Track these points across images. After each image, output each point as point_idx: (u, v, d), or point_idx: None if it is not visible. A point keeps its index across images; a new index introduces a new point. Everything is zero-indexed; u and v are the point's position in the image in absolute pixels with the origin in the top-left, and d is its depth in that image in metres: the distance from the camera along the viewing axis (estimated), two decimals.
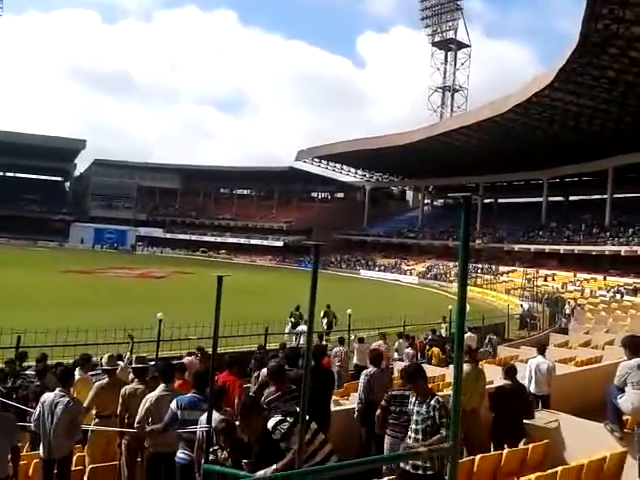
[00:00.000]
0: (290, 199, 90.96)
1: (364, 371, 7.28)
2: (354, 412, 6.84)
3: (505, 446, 6.23)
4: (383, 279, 60.68)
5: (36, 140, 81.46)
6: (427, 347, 15.93)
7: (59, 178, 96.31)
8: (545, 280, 47.50)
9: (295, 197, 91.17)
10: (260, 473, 4.16)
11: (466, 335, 16.42)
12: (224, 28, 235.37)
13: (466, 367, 6.73)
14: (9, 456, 5.14)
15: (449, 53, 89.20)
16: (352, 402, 8.13)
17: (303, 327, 17.50)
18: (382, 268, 67.43)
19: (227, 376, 7.00)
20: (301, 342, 16.32)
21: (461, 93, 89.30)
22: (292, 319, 20.51)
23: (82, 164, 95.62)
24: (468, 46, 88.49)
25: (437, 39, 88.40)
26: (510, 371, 7.09)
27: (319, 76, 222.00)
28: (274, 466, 4.14)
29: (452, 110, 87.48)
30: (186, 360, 9.84)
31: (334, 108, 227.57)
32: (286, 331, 19.85)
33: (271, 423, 4.06)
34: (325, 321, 21.29)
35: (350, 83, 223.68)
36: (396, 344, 15.60)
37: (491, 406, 6.85)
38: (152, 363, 7.86)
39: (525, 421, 6.75)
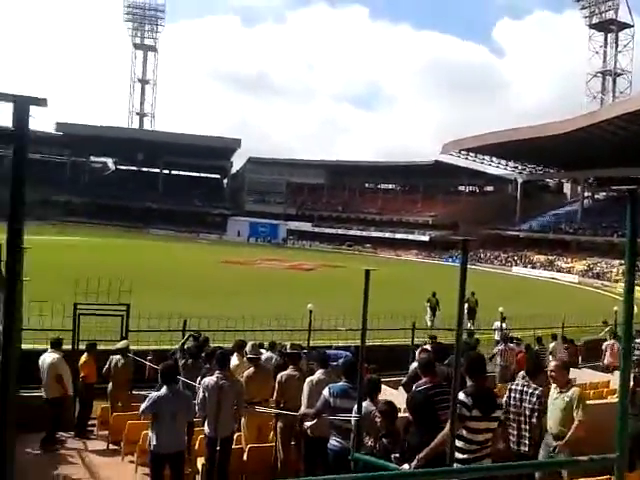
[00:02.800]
0: (435, 193, 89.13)
1: (520, 373, 7.03)
2: None
3: None
4: (538, 277, 57.30)
5: (197, 140, 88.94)
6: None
7: (217, 175, 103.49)
8: None
9: (441, 191, 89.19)
10: (406, 467, 4.17)
11: None
12: (354, 23, 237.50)
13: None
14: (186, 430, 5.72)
15: (609, 35, 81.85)
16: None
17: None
18: (537, 265, 63.75)
19: None
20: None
21: (624, 77, 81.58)
22: (429, 304, 22.21)
23: (235, 162, 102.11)
24: (631, 26, 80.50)
25: (595, 21, 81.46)
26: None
27: (453, 65, 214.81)
28: (417, 458, 4.14)
29: (614, 96, 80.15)
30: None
31: (471, 97, 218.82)
32: (427, 317, 21.38)
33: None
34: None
35: (487, 71, 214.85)
36: (550, 346, 14.66)
37: None
38: (305, 351, 8.20)
39: None
